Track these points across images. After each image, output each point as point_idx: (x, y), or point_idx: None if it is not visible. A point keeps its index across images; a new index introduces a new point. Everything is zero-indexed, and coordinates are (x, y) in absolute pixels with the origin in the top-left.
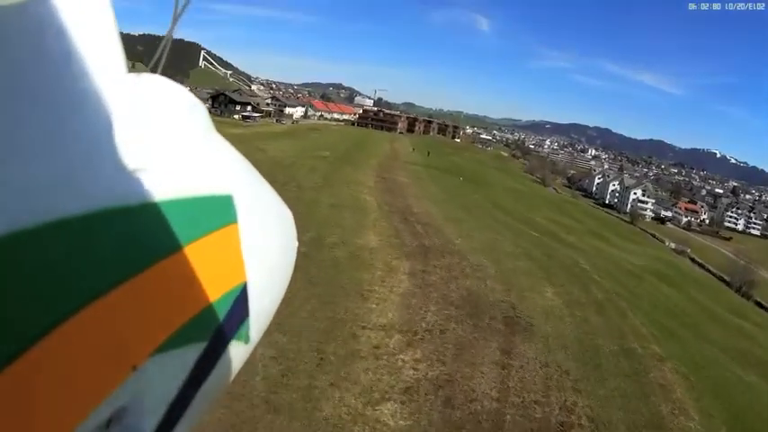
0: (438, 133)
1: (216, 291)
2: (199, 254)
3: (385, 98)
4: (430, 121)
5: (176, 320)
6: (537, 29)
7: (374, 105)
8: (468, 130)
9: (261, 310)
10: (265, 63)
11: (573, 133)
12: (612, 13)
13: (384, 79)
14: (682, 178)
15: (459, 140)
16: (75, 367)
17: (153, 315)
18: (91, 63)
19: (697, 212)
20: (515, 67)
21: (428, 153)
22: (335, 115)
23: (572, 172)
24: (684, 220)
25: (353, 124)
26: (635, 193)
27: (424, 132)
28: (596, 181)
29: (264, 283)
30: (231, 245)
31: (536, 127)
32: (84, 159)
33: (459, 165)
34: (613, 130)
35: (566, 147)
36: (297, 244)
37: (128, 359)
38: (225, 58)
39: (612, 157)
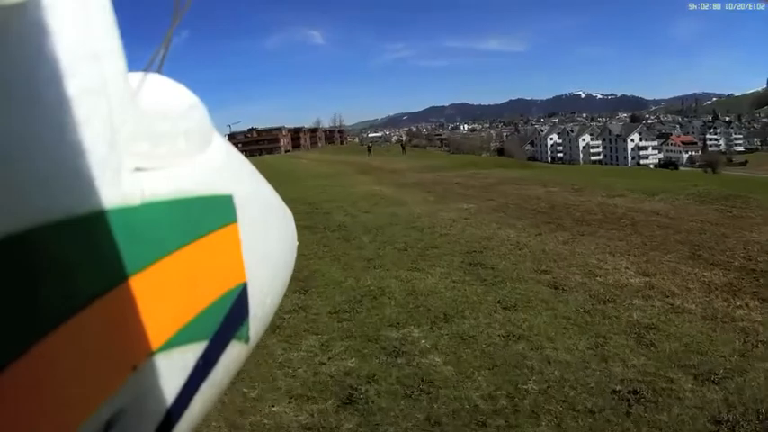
0: (326, 143)
1: (216, 291)
2: (199, 254)
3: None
4: (315, 130)
5: (176, 320)
6: (370, 27)
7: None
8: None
9: (261, 311)
10: None
11: (431, 117)
12: None
13: (232, 117)
14: (575, 124)
15: (346, 144)
16: (76, 367)
17: (153, 315)
18: (91, 63)
19: (695, 144)
20: (358, 68)
21: (402, 148)
22: None
23: (495, 144)
24: (686, 156)
25: None
26: (632, 140)
27: (312, 145)
28: (549, 143)
29: (264, 284)
30: (231, 245)
31: (394, 121)
32: (83, 159)
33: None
34: (470, 103)
35: (436, 130)
36: (297, 243)
37: (128, 359)
38: None
39: (488, 125)
